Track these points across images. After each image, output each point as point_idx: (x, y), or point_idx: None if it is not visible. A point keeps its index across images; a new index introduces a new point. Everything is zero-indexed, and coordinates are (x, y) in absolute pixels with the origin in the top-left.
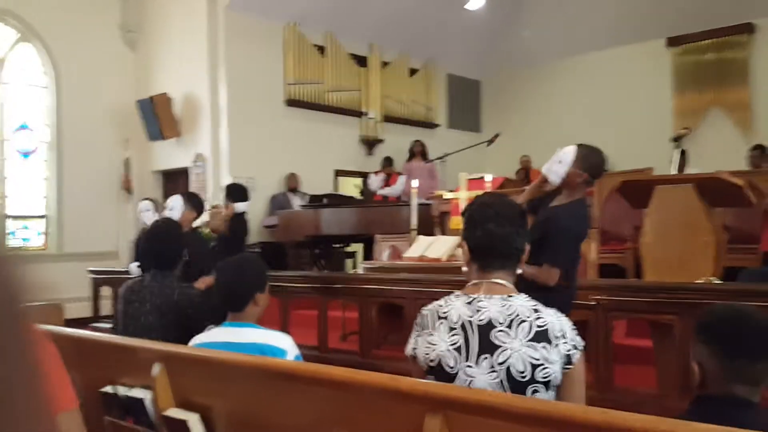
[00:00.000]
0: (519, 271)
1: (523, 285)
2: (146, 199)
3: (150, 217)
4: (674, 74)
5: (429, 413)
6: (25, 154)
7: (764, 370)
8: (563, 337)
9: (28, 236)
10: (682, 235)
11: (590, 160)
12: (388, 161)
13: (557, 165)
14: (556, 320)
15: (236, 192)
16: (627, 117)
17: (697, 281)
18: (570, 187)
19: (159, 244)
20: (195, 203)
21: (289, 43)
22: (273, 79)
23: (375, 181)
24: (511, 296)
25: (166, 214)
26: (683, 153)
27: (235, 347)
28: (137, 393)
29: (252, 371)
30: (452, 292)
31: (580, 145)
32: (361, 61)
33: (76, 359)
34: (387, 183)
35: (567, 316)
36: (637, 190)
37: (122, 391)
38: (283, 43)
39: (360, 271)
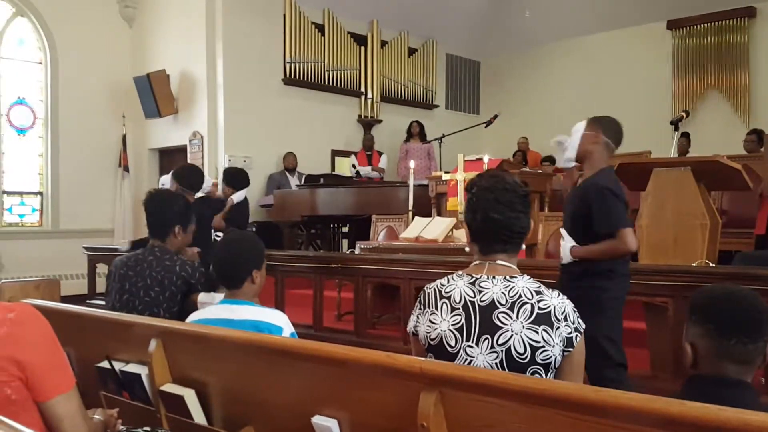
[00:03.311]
0: (566, 261)
1: (580, 271)
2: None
3: None
4: (674, 57)
5: (424, 390)
6: (22, 130)
7: (756, 350)
8: (565, 319)
9: (23, 212)
10: (678, 218)
11: (603, 122)
12: (370, 137)
13: (570, 139)
14: (558, 302)
15: (236, 178)
16: (626, 100)
17: (692, 264)
18: (590, 158)
19: (156, 210)
20: (183, 178)
21: (289, 20)
22: (271, 57)
23: (356, 164)
24: (514, 277)
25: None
26: (687, 136)
27: (231, 324)
28: (133, 368)
29: (248, 347)
30: (447, 273)
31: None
32: (360, 40)
33: (72, 335)
34: (370, 162)
35: (628, 291)
36: (635, 172)
37: (118, 366)
38: (283, 20)
39: (356, 251)
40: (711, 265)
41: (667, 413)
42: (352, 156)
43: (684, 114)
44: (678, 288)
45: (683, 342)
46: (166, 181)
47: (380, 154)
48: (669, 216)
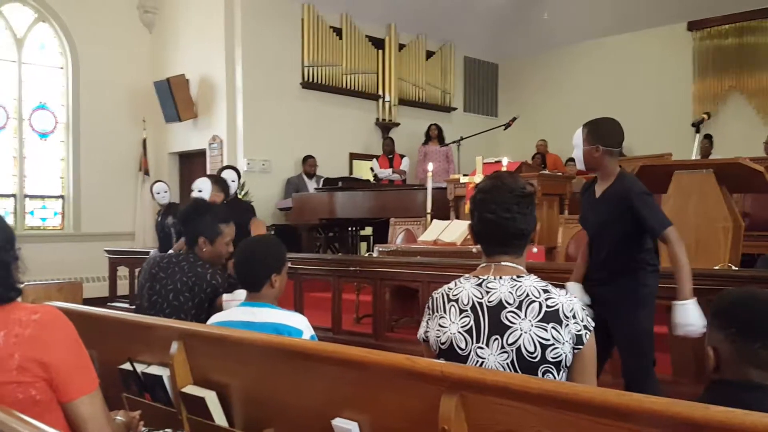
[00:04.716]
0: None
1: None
2: (159, 181)
3: (165, 198)
4: (695, 59)
5: (445, 394)
6: (43, 135)
7: None
8: (574, 317)
9: (45, 216)
10: (700, 221)
11: (599, 132)
12: (389, 142)
13: (576, 151)
14: (566, 300)
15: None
16: (647, 102)
17: (714, 267)
18: (599, 167)
19: (183, 222)
20: (222, 185)
21: (307, 25)
22: (290, 62)
23: (376, 167)
24: (521, 277)
25: (195, 195)
26: (710, 138)
27: (251, 327)
28: (155, 370)
29: (269, 350)
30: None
31: (585, 123)
32: (378, 43)
33: (95, 337)
34: (391, 164)
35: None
36: (656, 175)
37: (140, 368)
38: (301, 25)
39: (374, 254)
40: (734, 268)
41: (690, 418)
42: (374, 160)
43: (705, 116)
44: (700, 291)
45: (705, 346)
46: (206, 186)
47: (402, 156)
48: (691, 219)
